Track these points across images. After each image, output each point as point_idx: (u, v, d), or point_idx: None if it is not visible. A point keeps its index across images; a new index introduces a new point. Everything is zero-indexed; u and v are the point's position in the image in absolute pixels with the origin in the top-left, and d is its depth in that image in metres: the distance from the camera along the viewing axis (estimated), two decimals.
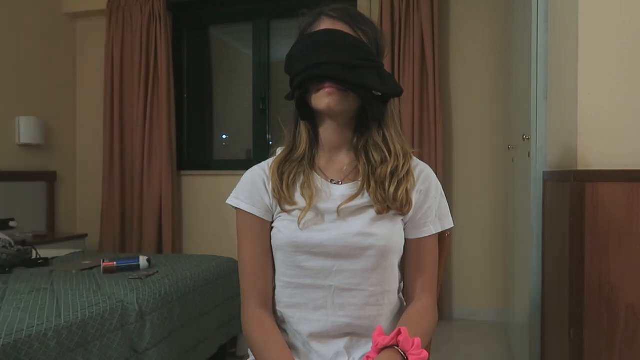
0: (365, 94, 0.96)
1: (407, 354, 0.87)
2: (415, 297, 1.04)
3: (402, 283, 1.09)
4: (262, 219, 1.04)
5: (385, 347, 0.89)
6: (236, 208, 1.06)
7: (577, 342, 1.48)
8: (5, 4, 3.57)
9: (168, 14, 3.84)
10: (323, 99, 0.96)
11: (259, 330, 1.01)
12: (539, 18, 1.98)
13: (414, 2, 3.29)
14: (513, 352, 2.65)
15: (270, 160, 1.08)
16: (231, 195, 1.07)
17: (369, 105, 0.97)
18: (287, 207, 1.01)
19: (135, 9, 3.79)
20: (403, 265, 1.07)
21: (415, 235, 1.03)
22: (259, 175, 1.06)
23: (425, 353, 0.87)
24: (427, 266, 1.04)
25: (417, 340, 0.88)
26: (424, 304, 1.03)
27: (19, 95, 3.67)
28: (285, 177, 1.02)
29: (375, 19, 3.41)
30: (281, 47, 3.84)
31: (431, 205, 1.03)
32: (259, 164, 1.09)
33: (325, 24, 0.96)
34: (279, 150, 1.08)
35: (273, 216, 1.05)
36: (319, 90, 0.96)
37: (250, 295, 1.04)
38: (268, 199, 1.04)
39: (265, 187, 1.05)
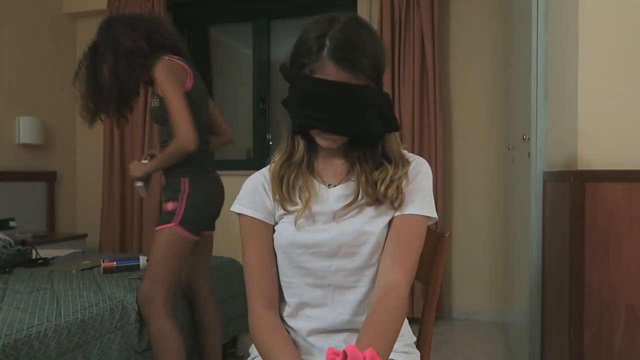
0: (364, 137, 1.01)
1: None
2: (387, 271, 0.99)
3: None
4: (264, 222, 1.07)
5: None
6: (239, 214, 1.08)
7: (577, 342, 1.48)
8: (6, 4, 3.57)
9: (168, 14, 3.83)
10: (324, 140, 1.01)
11: (266, 331, 1.02)
12: (539, 18, 1.98)
13: (414, 2, 3.29)
14: (513, 352, 2.65)
15: (269, 167, 1.10)
16: (234, 202, 1.10)
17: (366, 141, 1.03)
18: (290, 208, 1.04)
19: (135, 9, 3.78)
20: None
21: (395, 213, 1.03)
22: (259, 180, 1.09)
23: None
24: (404, 242, 1.00)
25: (368, 353, 0.76)
26: (392, 281, 0.97)
27: (19, 95, 3.67)
28: (285, 180, 1.05)
29: (375, 19, 3.42)
30: (281, 47, 3.84)
31: (415, 187, 1.04)
32: (259, 171, 1.12)
33: (329, 70, 0.93)
34: (277, 155, 1.10)
35: (275, 219, 1.08)
36: (320, 132, 1.00)
37: (256, 297, 1.05)
38: (269, 203, 1.07)
39: (266, 191, 1.08)
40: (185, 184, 1.86)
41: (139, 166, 1.92)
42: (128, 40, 1.86)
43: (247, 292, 1.07)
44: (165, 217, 1.85)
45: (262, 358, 1.01)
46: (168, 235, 1.82)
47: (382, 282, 0.98)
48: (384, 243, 1.03)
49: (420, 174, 1.05)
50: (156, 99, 1.89)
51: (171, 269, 1.84)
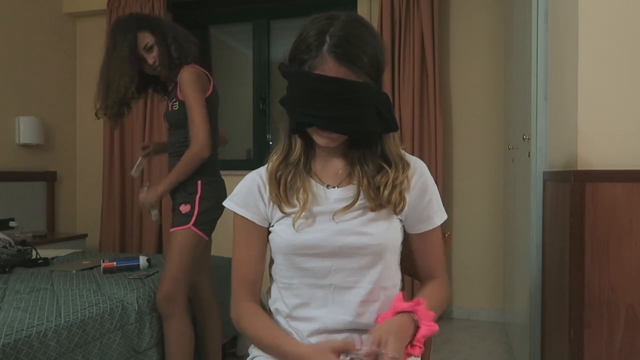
0: (362, 135, 1.02)
1: (420, 323, 0.95)
2: (428, 277, 1.12)
3: (401, 280, 1.13)
4: (256, 224, 1.07)
5: (402, 312, 0.97)
6: (233, 211, 1.09)
7: (577, 342, 1.48)
8: (6, 4, 3.57)
9: (168, 14, 3.83)
10: (322, 139, 1.00)
11: (253, 318, 1.05)
12: (539, 18, 1.98)
13: (414, 2, 3.29)
14: (513, 352, 2.65)
15: (266, 167, 1.09)
16: (228, 198, 1.11)
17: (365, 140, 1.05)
18: (287, 210, 1.04)
19: (135, 9, 3.78)
20: (411, 257, 1.13)
21: (422, 229, 1.08)
22: (256, 181, 1.09)
23: (436, 327, 0.95)
24: (436, 251, 1.11)
25: (432, 313, 0.96)
26: (437, 280, 1.11)
27: (19, 95, 3.67)
28: (282, 182, 1.05)
29: (375, 19, 3.42)
30: (281, 47, 3.84)
31: (431, 197, 1.07)
32: (257, 170, 1.12)
33: (329, 66, 0.92)
34: (275, 156, 1.10)
35: (269, 223, 1.08)
36: (318, 130, 0.99)
37: (242, 291, 1.08)
38: (263, 207, 1.07)
39: (261, 195, 1.07)
40: (199, 185, 1.90)
41: (150, 194, 1.92)
42: (182, 37, 1.96)
43: (232, 286, 1.10)
44: (180, 219, 1.89)
45: (255, 344, 1.06)
46: (185, 237, 1.87)
47: (428, 284, 1.12)
48: (399, 252, 1.09)
49: (428, 183, 1.07)
50: (175, 102, 1.93)
51: (189, 268, 1.90)
